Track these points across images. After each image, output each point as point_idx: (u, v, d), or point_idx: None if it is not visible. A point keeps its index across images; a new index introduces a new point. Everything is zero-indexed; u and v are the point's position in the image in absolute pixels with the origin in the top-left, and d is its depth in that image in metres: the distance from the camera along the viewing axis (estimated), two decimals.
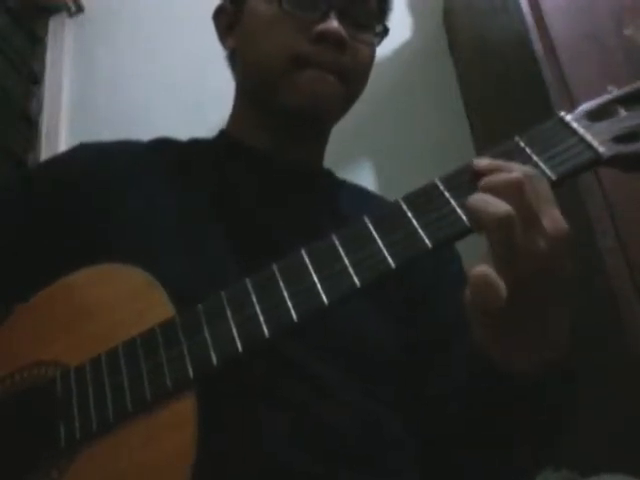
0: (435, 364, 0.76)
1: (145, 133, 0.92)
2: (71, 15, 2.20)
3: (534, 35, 1.21)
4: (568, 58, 1.16)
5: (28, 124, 1.97)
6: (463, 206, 0.53)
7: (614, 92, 0.59)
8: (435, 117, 1.81)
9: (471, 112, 1.79)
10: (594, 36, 1.17)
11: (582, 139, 0.55)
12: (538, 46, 1.19)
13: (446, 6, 1.88)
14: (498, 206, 0.49)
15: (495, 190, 0.50)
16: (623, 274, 1.03)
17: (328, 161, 0.94)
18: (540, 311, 0.53)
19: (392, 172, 1.74)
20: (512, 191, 0.49)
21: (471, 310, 0.53)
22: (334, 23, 0.79)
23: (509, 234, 0.48)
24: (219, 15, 0.91)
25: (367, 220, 0.57)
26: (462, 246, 0.89)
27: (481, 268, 0.48)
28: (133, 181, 0.80)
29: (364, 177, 1.72)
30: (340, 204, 0.86)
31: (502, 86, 1.51)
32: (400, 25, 1.89)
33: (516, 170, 0.52)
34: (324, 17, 0.80)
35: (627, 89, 0.59)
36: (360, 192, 0.93)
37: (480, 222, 0.50)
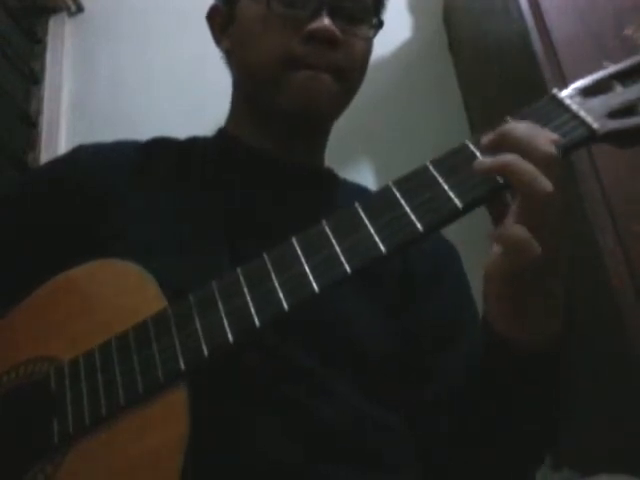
0: (432, 361, 0.76)
1: (145, 133, 0.92)
2: (71, 15, 2.20)
3: (534, 35, 1.20)
4: (568, 58, 1.16)
5: (28, 124, 1.97)
6: (454, 188, 0.53)
7: (609, 67, 0.59)
8: (435, 117, 1.81)
9: (471, 112, 1.79)
10: (594, 36, 1.17)
11: (576, 115, 0.55)
12: (538, 46, 1.19)
13: (446, 6, 1.88)
14: (545, 183, 0.51)
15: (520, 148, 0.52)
16: (623, 274, 1.03)
17: (328, 160, 0.94)
18: (551, 276, 0.55)
19: (392, 172, 1.72)
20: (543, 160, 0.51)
21: (496, 277, 0.54)
22: (325, 21, 0.78)
23: (550, 210, 0.51)
24: (212, 16, 0.90)
25: (357, 205, 0.56)
26: (463, 246, 0.89)
27: (516, 229, 0.51)
28: (131, 181, 0.80)
29: (364, 177, 1.72)
30: (340, 203, 0.85)
31: (502, 86, 1.51)
32: (400, 25, 1.89)
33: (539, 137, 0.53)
34: (315, 15, 0.78)
35: (623, 64, 0.59)
36: (360, 191, 0.93)
37: (526, 192, 0.51)
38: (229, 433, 0.61)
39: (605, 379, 1.12)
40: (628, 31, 1.12)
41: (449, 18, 1.88)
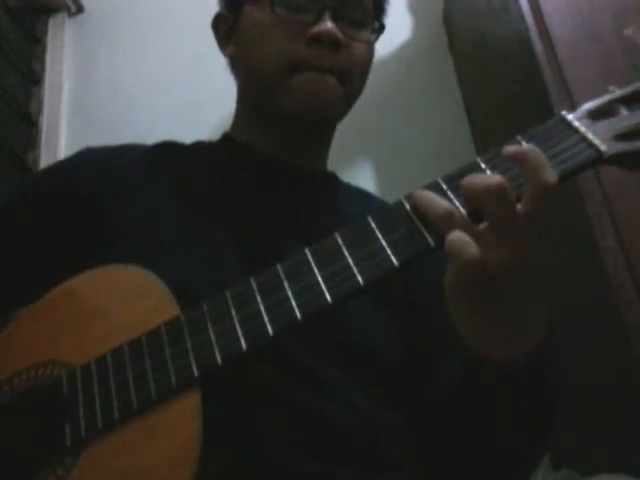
0: (434, 367, 0.76)
1: (145, 133, 0.92)
2: (71, 15, 2.20)
3: (534, 35, 1.21)
4: (568, 58, 1.16)
5: (28, 124, 1.97)
6: (466, 205, 0.54)
7: (616, 92, 0.60)
8: (435, 117, 1.81)
9: (471, 112, 1.79)
10: (594, 36, 1.17)
11: (583, 137, 0.56)
12: (538, 46, 1.19)
13: (446, 6, 1.89)
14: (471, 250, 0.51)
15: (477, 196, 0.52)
16: (623, 274, 1.03)
17: (328, 161, 0.94)
18: (520, 295, 0.55)
19: (392, 172, 1.74)
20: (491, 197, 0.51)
21: (455, 287, 0.56)
22: (328, 24, 0.79)
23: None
24: (217, 23, 0.91)
25: (370, 218, 0.57)
26: None
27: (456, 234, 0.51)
28: (136, 185, 0.80)
29: (364, 177, 1.72)
30: (343, 206, 0.86)
31: (502, 86, 1.51)
32: (400, 25, 1.89)
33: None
34: (318, 18, 0.80)
35: (628, 89, 0.60)
36: (363, 195, 0.93)
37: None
38: (239, 436, 0.61)
39: (605, 379, 1.12)
40: (628, 31, 1.12)
41: (449, 18, 1.89)
